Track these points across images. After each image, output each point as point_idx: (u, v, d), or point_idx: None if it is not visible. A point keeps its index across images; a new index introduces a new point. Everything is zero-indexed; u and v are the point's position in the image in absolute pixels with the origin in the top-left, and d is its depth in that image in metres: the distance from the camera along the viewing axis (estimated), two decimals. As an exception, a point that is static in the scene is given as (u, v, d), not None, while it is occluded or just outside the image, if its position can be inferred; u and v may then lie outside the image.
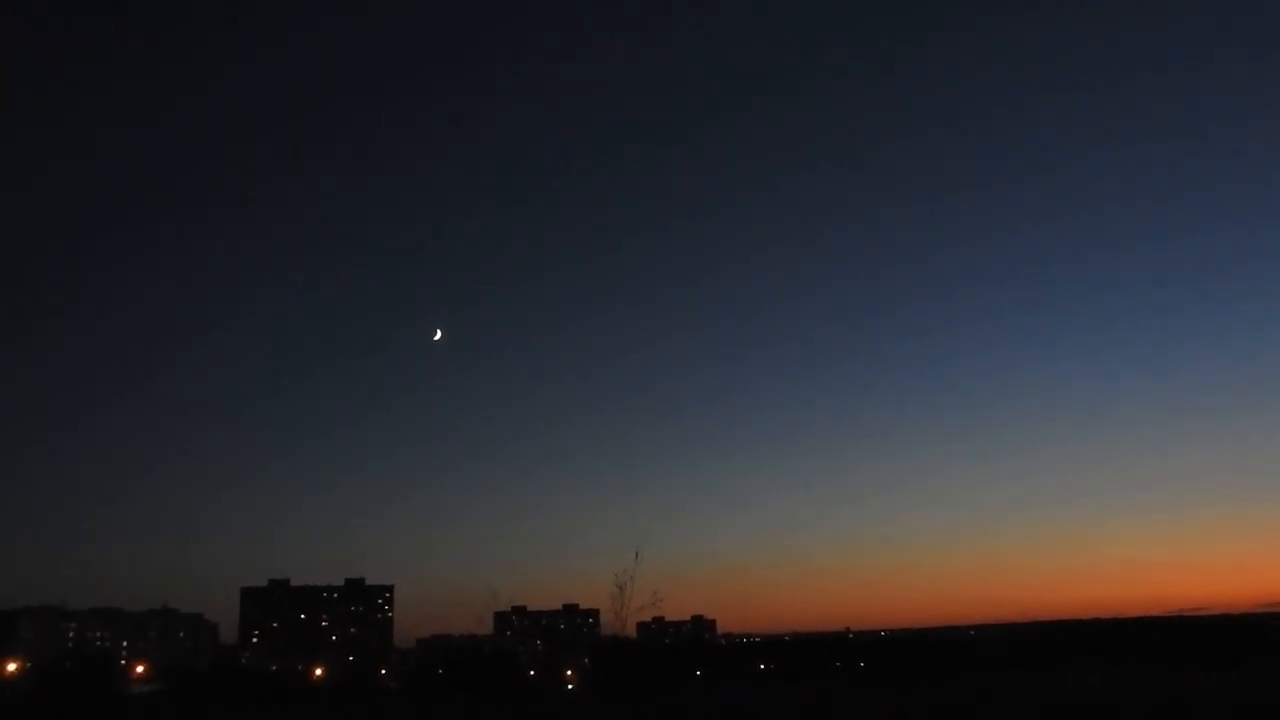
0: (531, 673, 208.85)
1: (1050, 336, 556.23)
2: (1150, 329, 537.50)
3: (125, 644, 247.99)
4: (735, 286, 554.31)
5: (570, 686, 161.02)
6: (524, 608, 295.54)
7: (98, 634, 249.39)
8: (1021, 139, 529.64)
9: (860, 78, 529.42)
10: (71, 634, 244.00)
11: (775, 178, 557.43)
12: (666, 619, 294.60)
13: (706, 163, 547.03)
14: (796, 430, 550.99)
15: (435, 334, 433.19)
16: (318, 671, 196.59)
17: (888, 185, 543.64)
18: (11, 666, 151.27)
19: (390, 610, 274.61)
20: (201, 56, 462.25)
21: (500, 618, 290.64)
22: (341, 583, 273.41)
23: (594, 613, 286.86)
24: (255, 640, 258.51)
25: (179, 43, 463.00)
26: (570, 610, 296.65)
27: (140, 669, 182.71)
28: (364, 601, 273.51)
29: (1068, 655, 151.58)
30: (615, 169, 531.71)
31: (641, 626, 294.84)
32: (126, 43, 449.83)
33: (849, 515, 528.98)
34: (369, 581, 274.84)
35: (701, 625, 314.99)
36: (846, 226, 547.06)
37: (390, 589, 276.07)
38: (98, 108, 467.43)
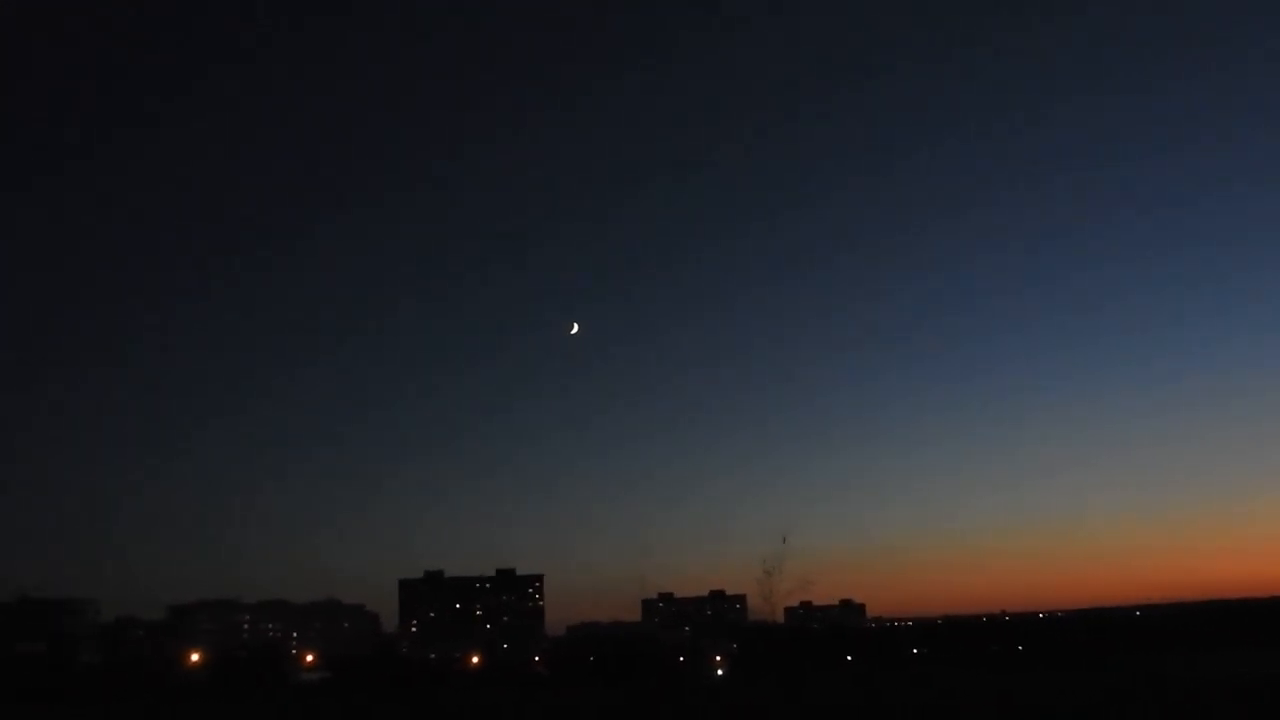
0: (680, 659, 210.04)
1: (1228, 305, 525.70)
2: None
3: (294, 635, 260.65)
4: (878, 270, 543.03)
5: (719, 672, 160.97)
6: (671, 594, 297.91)
7: (269, 625, 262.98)
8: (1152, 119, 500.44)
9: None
10: (245, 626, 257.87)
11: (917, 154, 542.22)
12: (814, 603, 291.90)
13: (840, 144, 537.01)
14: (948, 411, 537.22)
15: (572, 327, 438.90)
16: (473, 659, 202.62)
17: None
18: (194, 657, 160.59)
19: (540, 599, 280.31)
20: (316, 63, 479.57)
21: (648, 605, 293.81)
22: (493, 573, 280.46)
23: (741, 598, 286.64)
24: (414, 630, 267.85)
25: (293, 50, 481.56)
26: (717, 596, 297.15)
27: (309, 658, 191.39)
28: (515, 591, 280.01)
29: (1246, 635, 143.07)
30: (749, 155, 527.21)
31: (789, 611, 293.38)
32: (235, 60, 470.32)
33: (1005, 494, 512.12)
34: (519, 571, 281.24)
35: (850, 609, 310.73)
36: (991, 204, 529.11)
37: (540, 578, 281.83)
38: (217, 118, 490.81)
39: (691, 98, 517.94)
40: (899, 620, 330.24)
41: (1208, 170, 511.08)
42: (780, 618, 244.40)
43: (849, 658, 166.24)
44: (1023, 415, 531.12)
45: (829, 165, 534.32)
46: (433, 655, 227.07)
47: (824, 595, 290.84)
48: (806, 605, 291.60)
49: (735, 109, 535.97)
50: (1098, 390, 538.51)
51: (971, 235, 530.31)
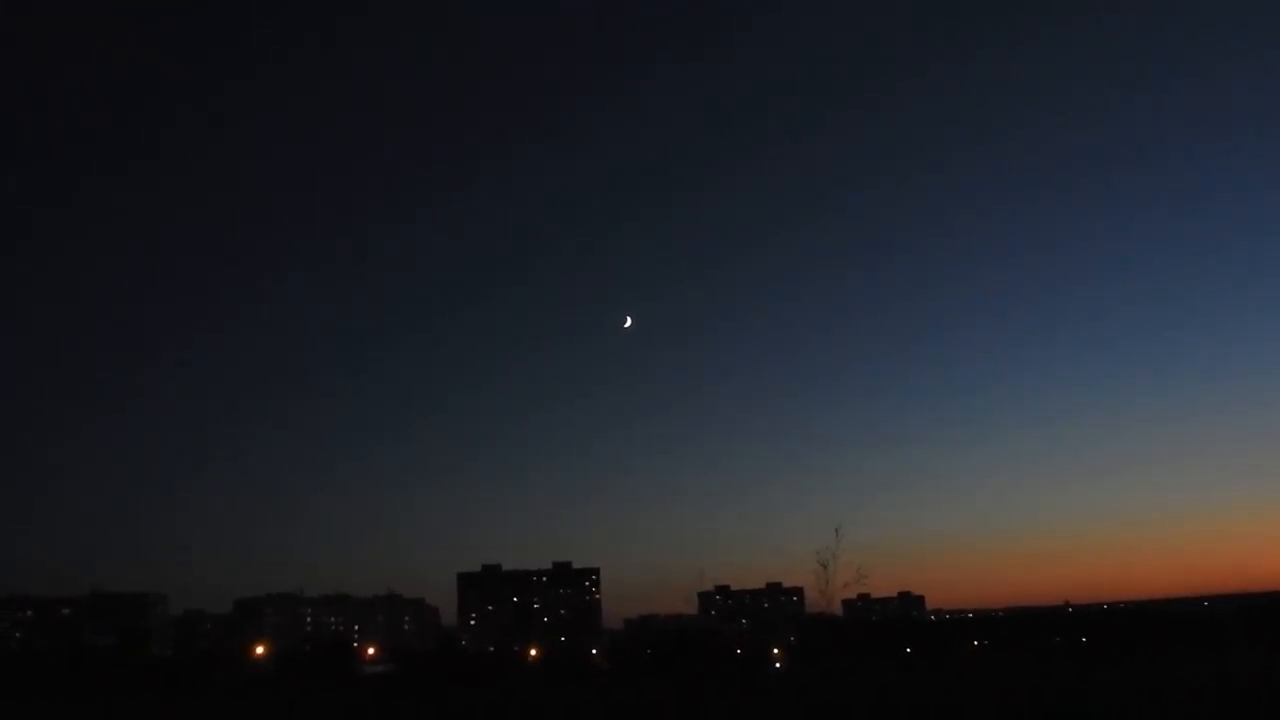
0: (738, 651, 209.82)
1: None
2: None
3: (356, 628, 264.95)
4: (935, 265, 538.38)
5: (778, 665, 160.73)
6: (728, 587, 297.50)
7: (331, 618, 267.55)
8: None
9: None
10: (309, 619, 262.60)
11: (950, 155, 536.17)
12: (873, 595, 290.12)
13: (892, 143, 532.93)
14: (1007, 404, 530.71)
15: (626, 321, 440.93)
16: (532, 652, 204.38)
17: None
18: (259, 649, 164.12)
19: (597, 592, 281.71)
20: (369, 69, 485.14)
21: (704, 597, 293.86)
22: (550, 566, 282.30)
23: (798, 590, 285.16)
24: (472, 623, 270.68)
25: (344, 58, 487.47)
26: (774, 589, 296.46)
27: (371, 651, 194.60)
28: (572, 584, 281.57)
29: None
30: (800, 152, 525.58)
31: (847, 604, 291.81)
32: (289, 64, 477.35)
33: (1066, 485, 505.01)
34: (576, 565, 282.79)
35: (909, 601, 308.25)
36: (1064, 196, 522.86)
37: (596, 571, 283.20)
38: (272, 119, 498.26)
39: (740, 99, 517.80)
40: (959, 612, 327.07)
41: (1230, 173, 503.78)
42: (838, 610, 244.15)
43: (908, 649, 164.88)
44: (1085, 408, 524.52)
45: (889, 158, 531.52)
46: (491, 648, 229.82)
47: (882, 588, 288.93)
48: (864, 597, 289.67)
49: (783, 108, 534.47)
50: (1164, 382, 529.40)
51: (1025, 232, 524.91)
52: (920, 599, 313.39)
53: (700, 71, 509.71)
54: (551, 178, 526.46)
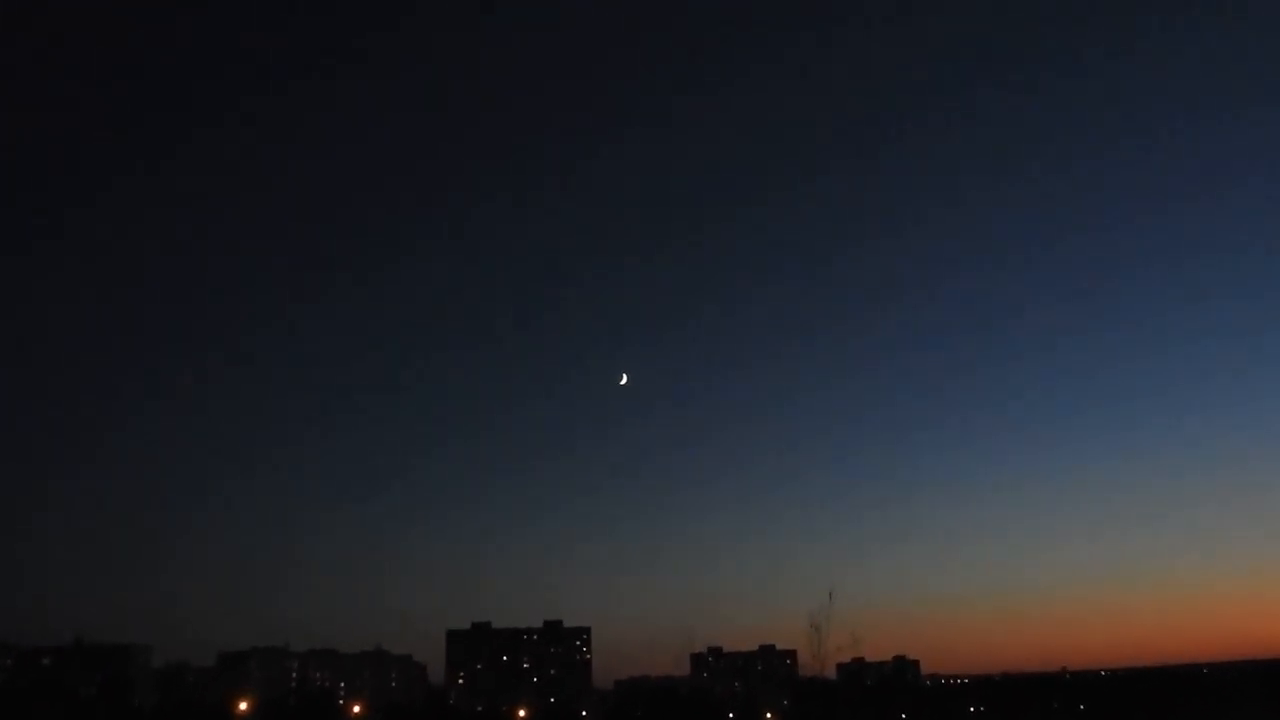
0: (730, 715, 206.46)
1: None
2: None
3: (343, 684, 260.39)
4: (932, 323, 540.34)
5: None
6: (720, 648, 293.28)
7: (317, 673, 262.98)
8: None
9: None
10: (294, 674, 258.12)
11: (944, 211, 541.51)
12: (867, 659, 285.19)
13: (890, 197, 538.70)
14: (1002, 467, 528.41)
15: (621, 378, 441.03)
16: (521, 713, 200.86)
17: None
18: (243, 704, 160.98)
19: (588, 652, 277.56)
20: (365, 110, 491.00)
21: (696, 659, 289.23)
22: (540, 625, 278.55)
23: (791, 653, 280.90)
24: (461, 681, 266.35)
25: (378, 84, 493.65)
26: (767, 651, 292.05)
27: (357, 708, 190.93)
28: (562, 643, 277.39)
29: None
30: (799, 206, 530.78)
31: (841, 667, 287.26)
32: (328, 102, 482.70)
33: (1064, 547, 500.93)
34: (567, 624, 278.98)
35: (904, 665, 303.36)
36: (1063, 250, 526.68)
37: (587, 631, 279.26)
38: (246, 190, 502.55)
39: (731, 156, 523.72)
40: (956, 677, 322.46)
41: (1244, 224, 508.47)
42: (832, 673, 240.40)
43: (903, 715, 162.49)
44: (1085, 469, 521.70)
45: (884, 214, 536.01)
46: (480, 708, 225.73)
47: (877, 651, 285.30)
48: (859, 660, 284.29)
49: (774, 165, 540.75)
50: (1165, 444, 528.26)
51: (1025, 289, 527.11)
52: (915, 663, 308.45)
53: (690, 128, 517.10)
54: (541, 231, 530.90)
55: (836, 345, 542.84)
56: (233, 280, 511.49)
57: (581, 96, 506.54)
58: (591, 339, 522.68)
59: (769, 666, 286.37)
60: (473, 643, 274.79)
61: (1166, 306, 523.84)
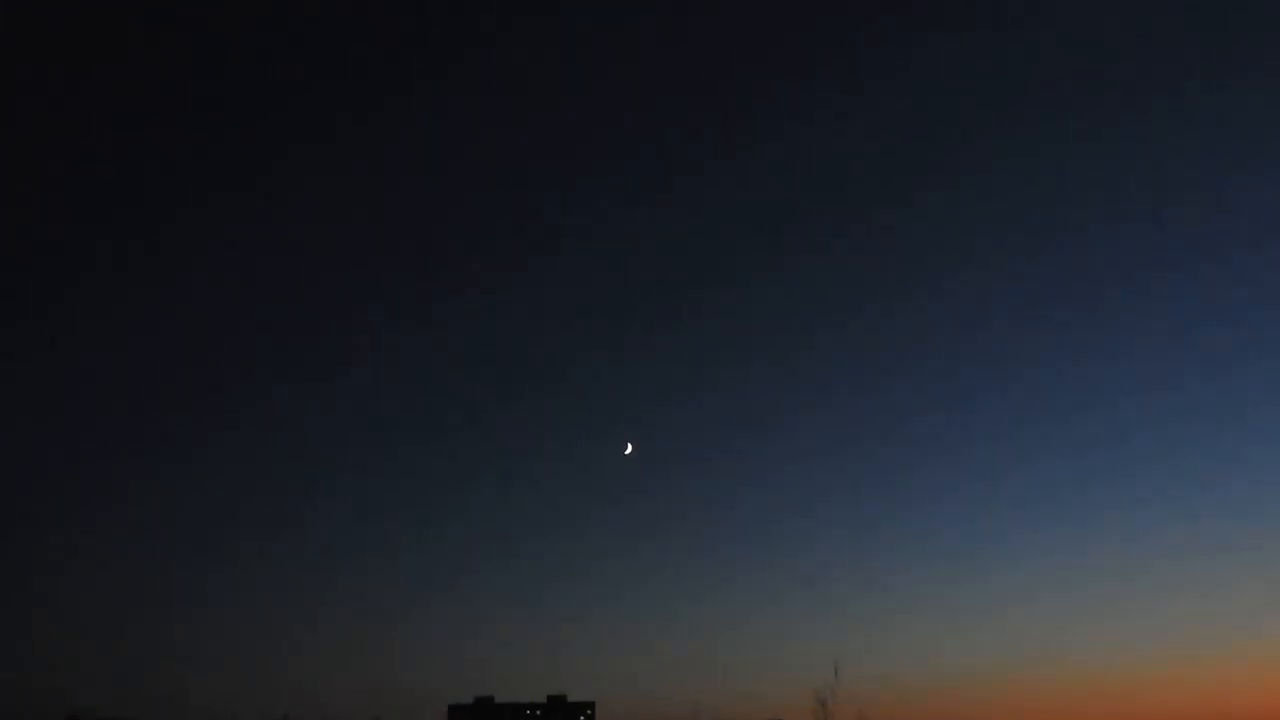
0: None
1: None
2: None
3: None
4: (940, 391, 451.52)
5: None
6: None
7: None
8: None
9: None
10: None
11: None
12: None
13: (898, 258, 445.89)
14: (1024, 533, 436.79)
15: (627, 448, 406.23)
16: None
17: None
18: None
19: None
20: (378, 172, 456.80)
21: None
22: (544, 699, 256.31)
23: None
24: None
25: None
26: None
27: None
28: (566, 718, 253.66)
29: None
30: (802, 273, 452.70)
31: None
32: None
33: (1084, 618, 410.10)
34: (571, 698, 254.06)
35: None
36: (1075, 315, 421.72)
37: (591, 705, 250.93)
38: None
39: (736, 221, 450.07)
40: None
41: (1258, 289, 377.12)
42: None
43: None
44: (1107, 538, 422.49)
45: (892, 276, 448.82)
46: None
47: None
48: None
49: (783, 230, 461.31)
50: (1190, 513, 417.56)
51: (1044, 352, 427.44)
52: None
53: (699, 191, 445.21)
54: (541, 303, 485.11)
55: (845, 415, 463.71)
56: (225, 348, 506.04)
57: (596, 161, 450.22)
58: (596, 410, 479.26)
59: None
60: (475, 717, 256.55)
61: (1190, 375, 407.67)
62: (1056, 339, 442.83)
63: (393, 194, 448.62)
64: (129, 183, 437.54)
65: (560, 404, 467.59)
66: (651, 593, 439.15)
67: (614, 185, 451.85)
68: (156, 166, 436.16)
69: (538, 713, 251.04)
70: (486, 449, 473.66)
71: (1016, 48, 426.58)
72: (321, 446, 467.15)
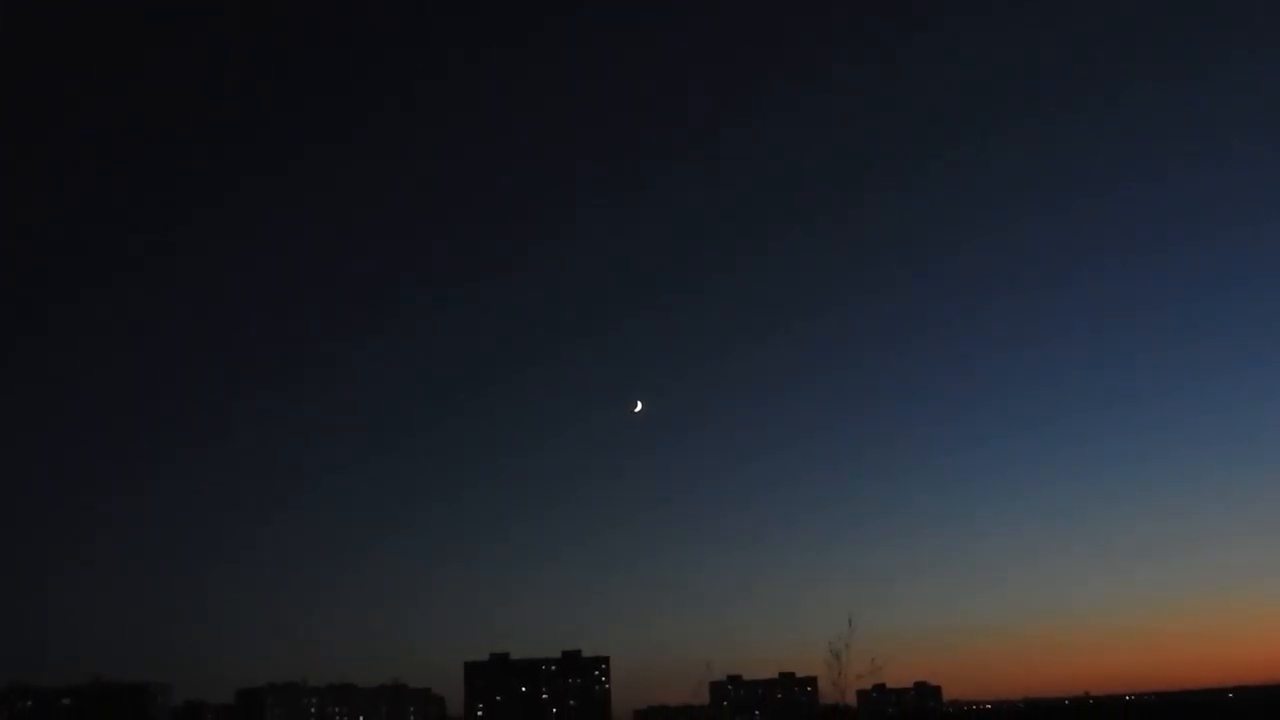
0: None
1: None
2: None
3: (361, 718, 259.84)
4: (954, 351, 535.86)
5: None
6: (739, 677, 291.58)
7: (335, 708, 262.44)
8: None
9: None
10: (313, 709, 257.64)
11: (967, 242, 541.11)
12: (888, 685, 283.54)
13: (909, 228, 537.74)
14: (1029, 490, 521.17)
15: (635, 405, 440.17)
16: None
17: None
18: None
19: (607, 682, 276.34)
20: (403, 149, 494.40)
21: (715, 688, 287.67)
22: (559, 655, 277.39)
23: (812, 681, 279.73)
24: (480, 713, 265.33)
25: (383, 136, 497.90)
26: (787, 679, 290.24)
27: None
28: (581, 674, 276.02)
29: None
30: (816, 237, 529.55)
31: (862, 695, 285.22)
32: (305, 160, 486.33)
33: (1088, 572, 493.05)
34: (585, 654, 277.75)
35: (925, 692, 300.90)
36: (1086, 278, 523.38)
37: (606, 660, 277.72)
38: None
39: (750, 190, 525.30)
40: (978, 704, 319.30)
41: (1262, 255, 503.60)
42: (852, 700, 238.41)
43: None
44: (1108, 493, 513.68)
45: (904, 243, 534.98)
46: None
47: (898, 678, 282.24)
48: (880, 688, 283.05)
49: (794, 198, 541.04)
50: (1191, 467, 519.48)
51: (1048, 315, 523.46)
52: (937, 689, 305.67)
53: (707, 163, 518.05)
54: (558, 270, 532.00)
55: (857, 377, 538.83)
56: (249, 324, 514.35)
57: (611, 136, 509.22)
58: (609, 373, 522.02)
59: (789, 694, 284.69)
60: (491, 674, 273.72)
61: (1191, 336, 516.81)
62: (1070, 302, 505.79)
63: (410, 175, 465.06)
64: (129, 183, 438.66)
65: (570, 370, 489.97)
66: (665, 549, 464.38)
67: (621, 166, 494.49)
68: (157, 169, 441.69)
69: (553, 668, 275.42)
70: (502, 415, 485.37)
71: (1016, 47, 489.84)
72: (338, 419, 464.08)
